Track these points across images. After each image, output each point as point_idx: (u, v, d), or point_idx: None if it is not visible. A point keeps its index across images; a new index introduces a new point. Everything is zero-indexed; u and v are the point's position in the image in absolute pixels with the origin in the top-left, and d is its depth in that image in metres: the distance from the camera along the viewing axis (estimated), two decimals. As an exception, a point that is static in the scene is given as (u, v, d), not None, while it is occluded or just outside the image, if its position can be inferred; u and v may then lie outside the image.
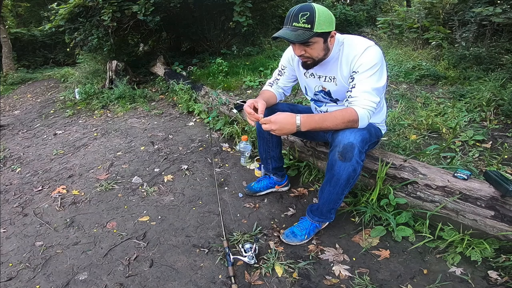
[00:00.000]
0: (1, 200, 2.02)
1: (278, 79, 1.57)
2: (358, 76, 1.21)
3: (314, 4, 1.15)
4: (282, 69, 1.55)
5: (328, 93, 1.39)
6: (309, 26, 1.12)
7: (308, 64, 1.28)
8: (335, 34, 1.22)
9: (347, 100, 1.26)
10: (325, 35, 1.18)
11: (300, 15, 1.13)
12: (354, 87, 1.22)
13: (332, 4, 7.65)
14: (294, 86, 1.64)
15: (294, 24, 1.14)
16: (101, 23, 4.02)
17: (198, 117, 3.14)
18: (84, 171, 2.30)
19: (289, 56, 1.49)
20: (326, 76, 1.35)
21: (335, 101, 1.40)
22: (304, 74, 1.43)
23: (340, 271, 1.28)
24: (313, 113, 1.59)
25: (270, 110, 1.48)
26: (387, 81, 1.30)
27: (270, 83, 1.60)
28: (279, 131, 1.20)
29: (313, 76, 1.40)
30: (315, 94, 1.46)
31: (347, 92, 1.27)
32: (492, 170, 1.35)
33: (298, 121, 1.18)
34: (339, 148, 1.19)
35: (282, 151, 1.81)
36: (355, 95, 1.22)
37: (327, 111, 1.45)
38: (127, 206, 1.82)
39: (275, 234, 1.51)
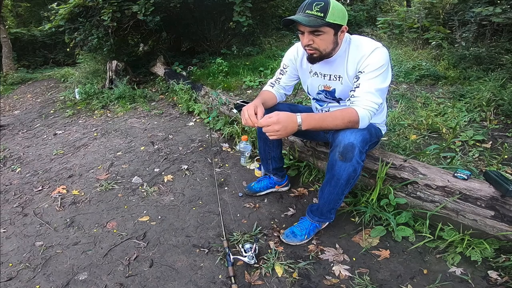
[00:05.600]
0: (1, 200, 2.02)
1: (280, 78, 1.56)
2: (364, 76, 1.21)
3: None
4: (284, 68, 1.54)
5: (331, 92, 1.39)
6: (322, 15, 1.13)
7: (314, 57, 1.27)
8: (346, 29, 1.22)
9: (349, 99, 1.27)
10: (337, 28, 1.18)
11: (314, 4, 1.14)
12: (358, 86, 1.22)
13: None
14: (295, 86, 1.64)
15: (307, 11, 1.15)
16: (101, 23, 4.02)
17: (198, 117, 3.14)
18: (84, 171, 2.30)
19: (292, 56, 1.48)
20: (331, 75, 1.35)
21: (338, 100, 1.40)
22: (309, 72, 1.43)
23: (340, 271, 1.28)
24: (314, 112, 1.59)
25: (270, 110, 1.48)
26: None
27: (271, 83, 1.59)
28: (283, 131, 1.16)
29: (316, 75, 1.40)
30: (318, 93, 1.45)
31: (350, 91, 1.27)
32: (492, 170, 1.35)
33: (299, 120, 1.17)
34: (339, 148, 1.19)
35: (282, 151, 1.81)
36: (358, 95, 1.22)
37: (328, 111, 1.45)
38: (127, 206, 1.82)
39: (275, 234, 1.51)
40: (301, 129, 1.18)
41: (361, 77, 1.22)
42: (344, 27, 1.21)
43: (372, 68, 1.20)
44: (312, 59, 1.29)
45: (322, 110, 1.50)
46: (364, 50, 1.22)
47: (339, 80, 1.33)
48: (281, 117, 1.16)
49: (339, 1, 1.25)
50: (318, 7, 1.13)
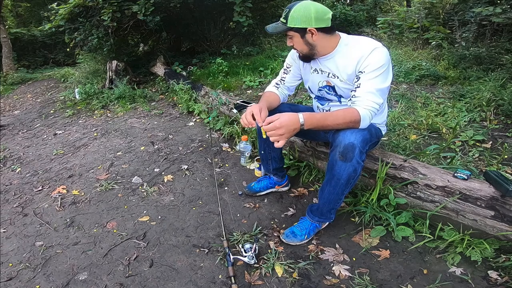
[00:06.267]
0: (1, 200, 2.02)
1: (284, 78, 1.57)
2: (364, 76, 1.21)
3: (303, 2, 1.23)
4: (288, 67, 1.55)
5: (333, 88, 1.39)
6: (285, 21, 1.24)
7: (301, 57, 1.38)
8: (314, 31, 1.23)
9: (350, 99, 1.27)
10: (301, 31, 1.25)
11: (284, 12, 1.25)
12: (358, 86, 1.23)
13: (332, 4, 7.60)
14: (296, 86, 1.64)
15: (280, 19, 1.27)
16: (101, 23, 4.02)
17: (198, 117, 3.14)
18: (84, 171, 2.30)
19: (295, 55, 1.49)
20: (329, 73, 1.36)
21: (339, 97, 1.40)
22: (310, 69, 1.44)
23: (340, 271, 1.29)
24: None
25: (273, 112, 1.47)
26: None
27: (276, 84, 1.59)
28: (288, 133, 1.16)
29: (317, 72, 1.41)
30: (319, 90, 1.45)
31: (351, 91, 1.27)
32: (492, 170, 1.35)
33: (302, 119, 1.17)
34: (339, 148, 1.19)
35: (282, 151, 1.81)
36: (358, 95, 1.22)
37: (329, 111, 1.45)
38: (127, 206, 1.82)
39: (275, 234, 1.51)
40: (304, 129, 1.18)
41: (361, 77, 1.22)
42: (310, 29, 1.23)
43: (372, 68, 1.20)
44: (301, 58, 1.39)
45: (323, 110, 1.50)
46: (363, 50, 1.23)
47: (337, 78, 1.34)
48: (283, 120, 1.16)
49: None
50: (284, 14, 1.24)
